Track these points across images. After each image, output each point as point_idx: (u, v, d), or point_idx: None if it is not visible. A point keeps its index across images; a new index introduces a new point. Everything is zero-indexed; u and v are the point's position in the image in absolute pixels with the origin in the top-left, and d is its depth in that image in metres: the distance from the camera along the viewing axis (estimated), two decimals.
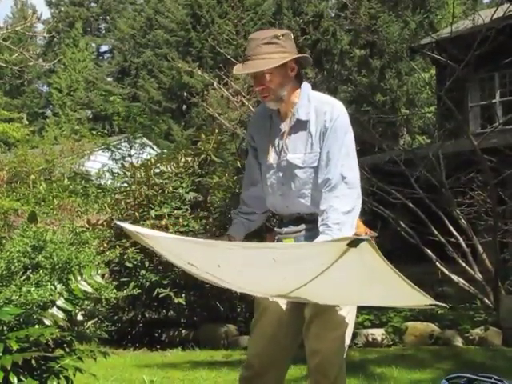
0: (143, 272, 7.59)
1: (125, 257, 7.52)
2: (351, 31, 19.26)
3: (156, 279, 7.50)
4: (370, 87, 16.87)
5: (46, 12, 39.24)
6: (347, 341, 2.59)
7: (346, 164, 2.48)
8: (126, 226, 2.57)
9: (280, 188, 2.60)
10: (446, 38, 9.66)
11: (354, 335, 6.98)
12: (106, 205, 9.33)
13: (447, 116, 9.55)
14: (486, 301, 7.83)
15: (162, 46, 28.94)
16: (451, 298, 8.77)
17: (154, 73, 29.10)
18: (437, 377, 4.90)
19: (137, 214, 8.05)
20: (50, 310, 3.03)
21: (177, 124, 27.61)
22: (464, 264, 8.13)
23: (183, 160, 8.59)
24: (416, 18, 15.39)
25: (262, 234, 2.80)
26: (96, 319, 7.93)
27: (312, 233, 2.50)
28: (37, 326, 2.97)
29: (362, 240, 1.91)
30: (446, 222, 8.26)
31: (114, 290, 3.33)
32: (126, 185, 9.33)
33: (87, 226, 7.55)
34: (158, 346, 7.68)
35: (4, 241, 3.58)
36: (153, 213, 7.93)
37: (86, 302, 3.33)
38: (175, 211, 8.02)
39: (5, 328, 2.92)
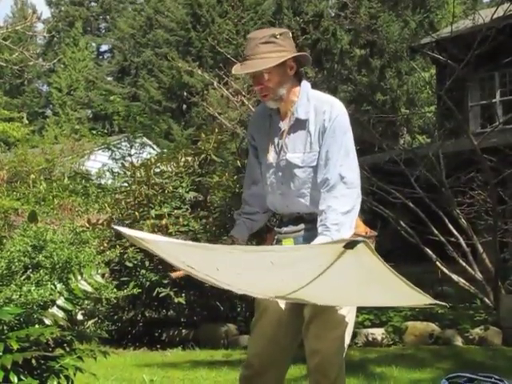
0: (143, 271, 7.59)
1: (125, 256, 7.53)
2: (351, 31, 19.26)
3: (156, 279, 7.50)
4: (370, 87, 16.86)
5: (46, 11, 39.25)
6: (347, 340, 2.59)
7: (345, 164, 2.47)
8: (124, 230, 2.57)
9: (279, 187, 2.60)
10: (446, 37, 9.65)
11: (354, 335, 6.99)
12: (106, 204, 9.35)
13: (447, 115, 9.54)
14: (486, 300, 7.84)
15: (162, 45, 28.92)
16: (451, 297, 8.77)
17: (154, 72, 29.09)
18: (437, 376, 4.89)
19: (137, 213, 8.06)
20: (50, 310, 3.03)
21: (177, 123, 27.61)
22: (464, 263, 8.13)
23: (183, 159, 8.59)
24: (416, 17, 15.39)
25: (262, 234, 2.80)
26: (96, 319, 7.96)
27: (311, 233, 2.49)
28: (37, 326, 2.97)
29: (358, 242, 1.91)
30: (446, 221, 8.26)
31: (114, 290, 3.33)
32: (126, 184, 9.34)
33: (87, 225, 7.56)
34: (158, 346, 7.69)
35: (4, 240, 3.58)
36: (153, 212, 7.93)
37: (86, 302, 3.34)
38: (175, 211, 8.03)
39: (5, 327, 2.92)
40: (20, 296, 2.92)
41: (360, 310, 7.38)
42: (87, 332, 3.47)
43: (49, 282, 3.08)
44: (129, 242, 7.94)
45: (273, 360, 2.60)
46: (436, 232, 8.26)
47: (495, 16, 7.85)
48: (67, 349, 3.09)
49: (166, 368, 6.12)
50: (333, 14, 22.87)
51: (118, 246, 7.25)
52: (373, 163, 9.41)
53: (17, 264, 3.11)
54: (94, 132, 20.44)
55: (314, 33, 20.17)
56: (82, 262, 3.22)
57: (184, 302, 7.62)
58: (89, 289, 3.11)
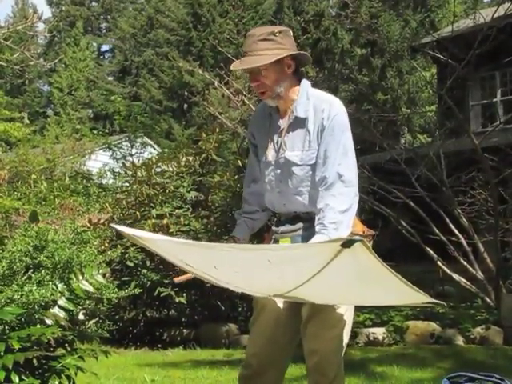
0: (144, 271, 7.59)
1: (126, 256, 7.53)
2: (352, 30, 19.24)
3: (157, 278, 7.50)
4: (371, 86, 16.85)
5: (46, 11, 39.25)
6: (346, 339, 2.59)
7: (343, 162, 2.47)
8: (123, 228, 2.57)
9: (278, 185, 2.60)
10: (446, 36, 9.64)
11: (355, 334, 6.99)
12: (107, 204, 9.33)
13: (448, 115, 9.54)
14: (487, 300, 7.83)
15: (162, 45, 28.95)
16: (452, 296, 8.77)
17: (154, 72, 29.11)
18: (438, 376, 4.90)
19: (138, 213, 8.06)
20: (51, 310, 3.03)
21: (178, 123, 27.63)
22: (465, 263, 8.13)
23: (184, 159, 8.59)
24: (417, 16, 15.40)
25: (263, 234, 2.80)
26: (97, 318, 7.96)
27: (309, 232, 2.50)
28: (38, 326, 2.98)
29: (355, 240, 1.91)
30: (447, 220, 8.26)
31: (116, 290, 3.34)
32: (127, 184, 9.34)
33: (88, 225, 7.56)
34: (159, 345, 7.68)
35: (6, 240, 3.59)
36: (154, 212, 7.93)
37: (88, 302, 3.34)
38: (176, 210, 8.03)
39: (6, 327, 2.93)
40: (21, 296, 2.93)
41: (361, 310, 7.38)
42: (88, 332, 3.46)
43: (50, 282, 3.08)
44: (130, 241, 7.96)
45: (271, 359, 2.60)
46: (437, 231, 8.26)
47: (496, 15, 7.84)
48: (68, 348, 3.10)
49: (167, 367, 6.12)
50: (333, 14, 22.87)
51: (119, 246, 7.26)
52: (374, 162, 9.41)
53: (18, 264, 3.12)
54: (95, 132, 20.47)
55: (315, 32, 20.16)
56: (83, 262, 3.22)
57: (185, 302, 7.62)
58: (90, 289, 3.11)
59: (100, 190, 13.94)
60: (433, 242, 8.26)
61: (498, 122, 9.56)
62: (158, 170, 8.68)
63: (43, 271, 3.11)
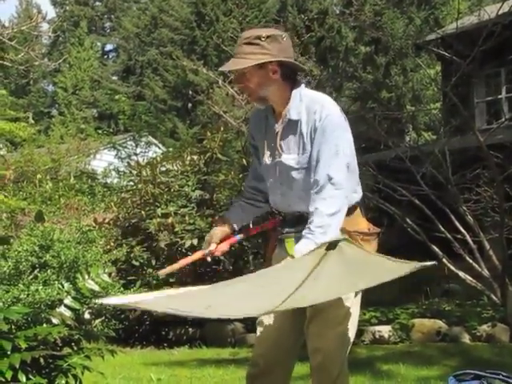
0: (150, 270, 7.61)
1: (131, 255, 7.54)
2: (356, 28, 19.20)
3: (162, 277, 7.51)
4: (375, 84, 16.81)
5: (50, 11, 39.21)
6: (351, 338, 2.60)
7: (333, 164, 2.44)
8: (114, 301, 2.64)
9: (279, 188, 2.60)
10: (451, 33, 9.62)
11: (361, 332, 6.98)
12: (112, 203, 9.36)
13: (453, 112, 9.51)
14: (493, 297, 7.81)
15: (166, 44, 28.96)
16: (458, 294, 8.76)
17: (158, 71, 29.12)
18: (444, 373, 4.89)
19: (143, 212, 8.07)
20: (57, 309, 3.05)
21: (182, 122, 27.63)
22: (471, 260, 8.11)
23: (189, 158, 8.60)
24: (421, 14, 15.36)
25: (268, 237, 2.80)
26: (103, 317, 7.97)
27: None
28: (45, 325, 2.99)
29: (338, 241, 1.93)
30: (453, 218, 8.24)
31: (121, 289, 3.35)
32: (132, 183, 9.35)
33: (94, 224, 7.58)
34: (165, 344, 7.70)
35: (12, 240, 3.60)
36: (159, 211, 7.94)
37: (93, 301, 3.35)
38: (181, 209, 8.04)
39: (13, 327, 2.94)
40: (28, 295, 2.94)
41: (367, 308, 7.38)
42: (94, 331, 3.48)
43: (56, 282, 3.09)
44: (135, 240, 7.97)
45: (277, 360, 2.62)
46: (442, 229, 8.24)
47: (501, 12, 7.81)
48: (75, 348, 3.11)
49: (173, 366, 6.13)
50: (337, 12, 22.82)
51: (124, 245, 7.28)
52: (378, 160, 9.39)
53: (24, 263, 3.13)
54: (100, 131, 20.48)
55: (319, 30, 20.12)
56: (88, 261, 3.23)
57: None
58: (96, 288, 3.12)
59: (105, 189, 13.97)
60: (438, 240, 8.24)
61: (504, 119, 9.53)
62: (163, 169, 8.69)
63: (49, 270, 3.12)
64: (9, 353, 2.70)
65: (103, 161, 17.08)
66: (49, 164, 14.42)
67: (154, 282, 7.51)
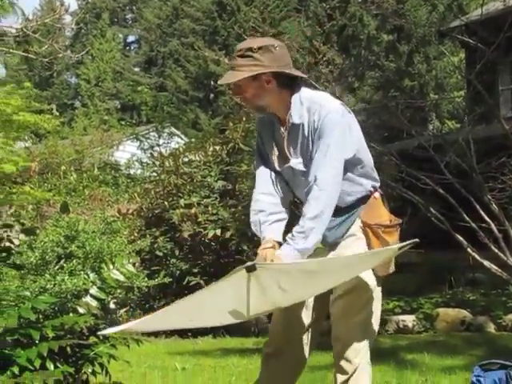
0: (173, 260, 7.65)
1: (155, 246, 7.59)
2: (378, 16, 19.00)
3: (186, 268, 7.56)
4: (398, 72, 16.62)
5: (73, 3, 39.43)
6: (373, 328, 2.61)
7: (320, 164, 2.44)
8: (112, 330, 2.71)
9: (295, 190, 2.64)
10: (475, 20, 9.48)
11: (385, 322, 6.96)
12: (135, 194, 9.42)
13: (477, 100, 9.39)
14: None
15: (188, 35, 28.96)
16: (483, 283, 8.69)
17: (180, 62, 29.16)
18: (469, 363, 4.85)
19: (166, 203, 8.12)
20: (83, 299, 3.08)
21: (204, 113, 27.66)
22: (496, 250, 8.02)
23: (211, 149, 8.62)
24: (444, 0, 15.13)
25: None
26: (128, 307, 8.05)
27: (338, 226, 2.54)
28: (71, 314, 3.03)
29: (254, 267, 2.14)
30: (477, 207, 8.15)
31: (146, 279, 3.37)
32: (155, 174, 9.41)
33: (118, 215, 7.63)
34: (189, 334, 7.74)
35: (38, 231, 3.65)
36: (182, 202, 7.98)
37: (119, 291, 3.38)
38: (204, 200, 8.06)
39: (40, 316, 2.98)
40: (54, 285, 2.98)
41: (390, 297, 7.35)
42: (120, 320, 3.51)
43: (82, 272, 3.13)
44: (159, 231, 8.02)
45: (289, 340, 2.65)
46: (467, 218, 8.15)
47: None
48: (101, 337, 3.14)
49: (197, 356, 6.17)
50: (359, 0, 22.62)
51: (148, 236, 7.33)
52: (401, 149, 9.32)
53: (50, 254, 3.17)
54: (123, 123, 20.64)
55: (341, 19, 19.94)
56: (113, 252, 3.27)
57: None
58: (121, 278, 3.15)
59: (128, 180, 14.08)
60: (463, 229, 8.16)
61: None
62: (186, 159, 8.72)
63: (74, 261, 3.16)
64: (37, 342, 2.75)
65: (126, 152, 17.19)
66: (73, 155, 14.56)
67: (178, 272, 7.57)
